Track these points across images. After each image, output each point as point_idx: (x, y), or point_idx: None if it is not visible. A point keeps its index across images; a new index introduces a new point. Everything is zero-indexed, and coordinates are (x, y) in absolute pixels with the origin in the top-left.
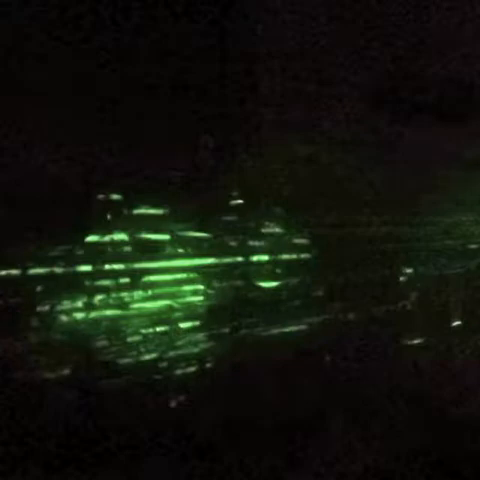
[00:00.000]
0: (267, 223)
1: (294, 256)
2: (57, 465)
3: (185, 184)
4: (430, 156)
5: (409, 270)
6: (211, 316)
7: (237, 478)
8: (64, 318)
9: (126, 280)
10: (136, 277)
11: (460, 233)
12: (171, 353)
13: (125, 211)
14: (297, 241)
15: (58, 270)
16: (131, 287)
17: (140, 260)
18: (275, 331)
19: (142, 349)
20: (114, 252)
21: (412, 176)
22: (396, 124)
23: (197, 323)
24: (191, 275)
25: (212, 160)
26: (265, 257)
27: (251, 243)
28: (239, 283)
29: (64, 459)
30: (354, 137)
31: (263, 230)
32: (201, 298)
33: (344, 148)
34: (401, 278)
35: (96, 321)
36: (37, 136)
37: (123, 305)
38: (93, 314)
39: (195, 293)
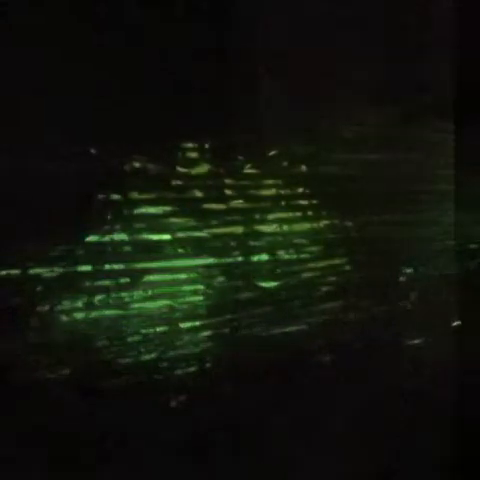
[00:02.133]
0: (268, 223)
1: (294, 256)
2: (57, 465)
3: (186, 184)
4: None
5: (409, 270)
6: (211, 316)
7: (237, 478)
8: (64, 318)
9: (126, 280)
10: (136, 277)
11: (461, 233)
12: (171, 353)
13: (125, 211)
14: (297, 241)
15: (58, 270)
16: (131, 287)
17: (140, 260)
18: (275, 331)
19: (142, 349)
20: (114, 252)
21: (412, 175)
22: (396, 124)
23: (197, 323)
24: (191, 275)
25: (213, 160)
26: (265, 257)
27: (252, 243)
28: (239, 283)
29: (64, 459)
30: (354, 137)
31: (264, 230)
32: (201, 298)
33: (345, 148)
34: (401, 278)
35: (96, 321)
36: (37, 136)
37: (123, 305)
38: (93, 314)
39: (195, 293)
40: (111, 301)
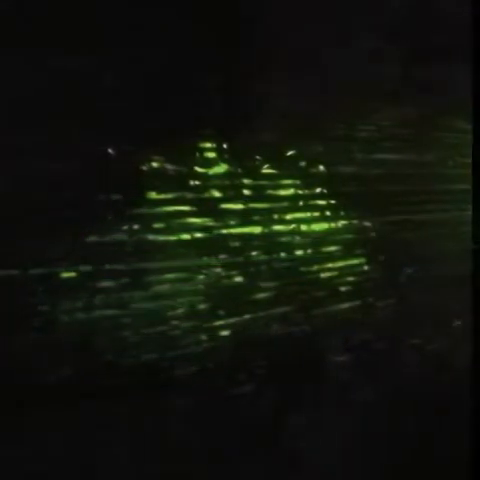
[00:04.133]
0: (285, 223)
1: (312, 256)
2: (57, 465)
3: (204, 184)
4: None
5: (427, 269)
6: (211, 316)
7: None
8: (64, 318)
9: (126, 280)
10: (136, 277)
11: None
12: (171, 353)
13: (125, 211)
14: (315, 241)
15: (58, 270)
16: (131, 287)
17: (140, 260)
18: (289, 330)
19: (142, 349)
20: (114, 252)
21: (429, 175)
22: (414, 124)
23: (197, 323)
24: (207, 274)
25: (231, 160)
26: (282, 256)
27: (269, 243)
28: (256, 283)
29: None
30: (372, 137)
31: (281, 230)
32: (201, 298)
33: (362, 148)
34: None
35: (96, 321)
36: (37, 135)
37: (123, 305)
38: (93, 314)
39: (195, 293)
40: (111, 301)
